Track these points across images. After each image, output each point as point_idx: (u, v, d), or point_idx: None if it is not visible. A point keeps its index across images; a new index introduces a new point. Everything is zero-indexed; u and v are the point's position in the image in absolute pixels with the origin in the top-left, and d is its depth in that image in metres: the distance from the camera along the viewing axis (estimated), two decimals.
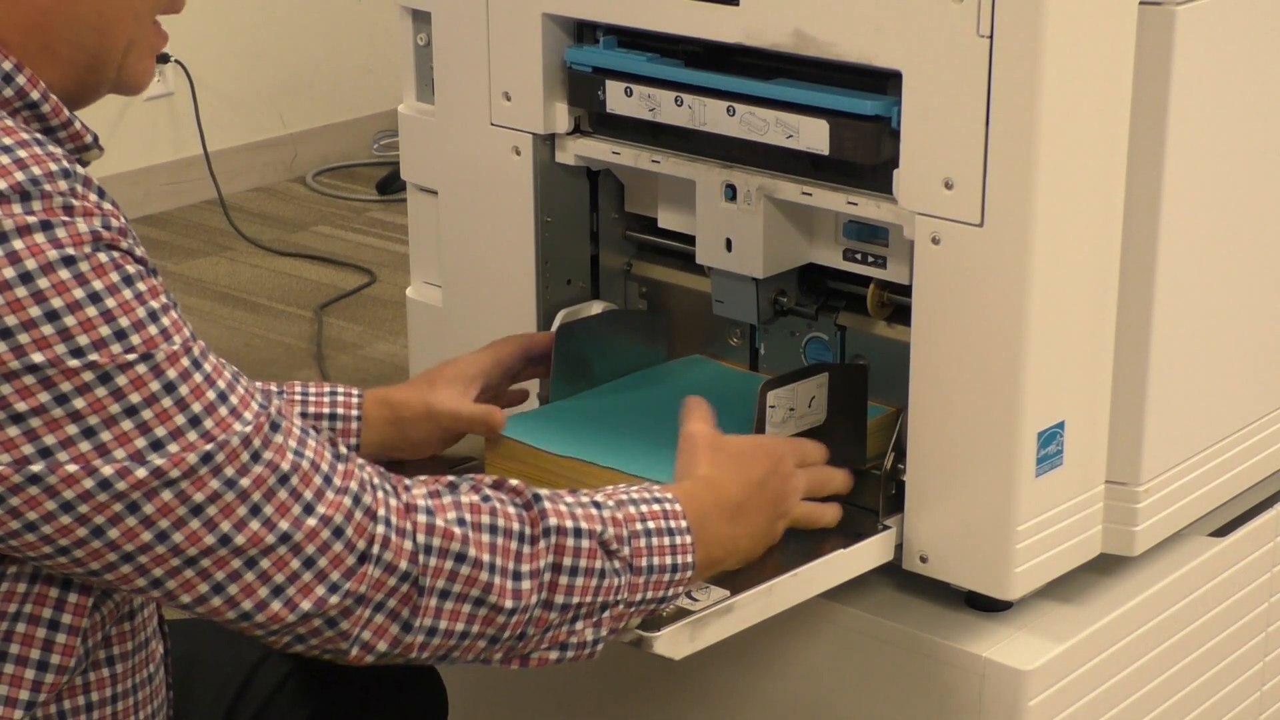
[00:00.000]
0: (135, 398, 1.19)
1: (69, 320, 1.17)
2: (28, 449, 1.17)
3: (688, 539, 1.46)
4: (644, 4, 1.73)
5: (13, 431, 1.17)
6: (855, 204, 1.68)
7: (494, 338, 1.83)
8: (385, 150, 5.03)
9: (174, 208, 4.70)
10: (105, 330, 1.18)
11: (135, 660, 1.35)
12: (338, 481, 1.30)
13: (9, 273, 1.15)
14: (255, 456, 1.25)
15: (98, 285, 1.18)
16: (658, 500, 1.46)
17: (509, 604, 1.36)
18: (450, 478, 1.41)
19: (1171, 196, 1.64)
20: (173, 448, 1.21)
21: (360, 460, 1.34)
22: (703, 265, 1.83)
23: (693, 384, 1.88)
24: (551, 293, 1.93)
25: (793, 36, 1.63)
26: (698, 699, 1.84)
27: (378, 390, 1.74)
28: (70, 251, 1.17)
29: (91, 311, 1.17)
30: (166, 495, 1.21)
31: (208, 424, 1.22)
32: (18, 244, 1.16)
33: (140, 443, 1.19)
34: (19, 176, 1.17)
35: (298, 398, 1.69)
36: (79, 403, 1.17)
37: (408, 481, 1.37)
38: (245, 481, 1.24)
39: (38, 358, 1.16)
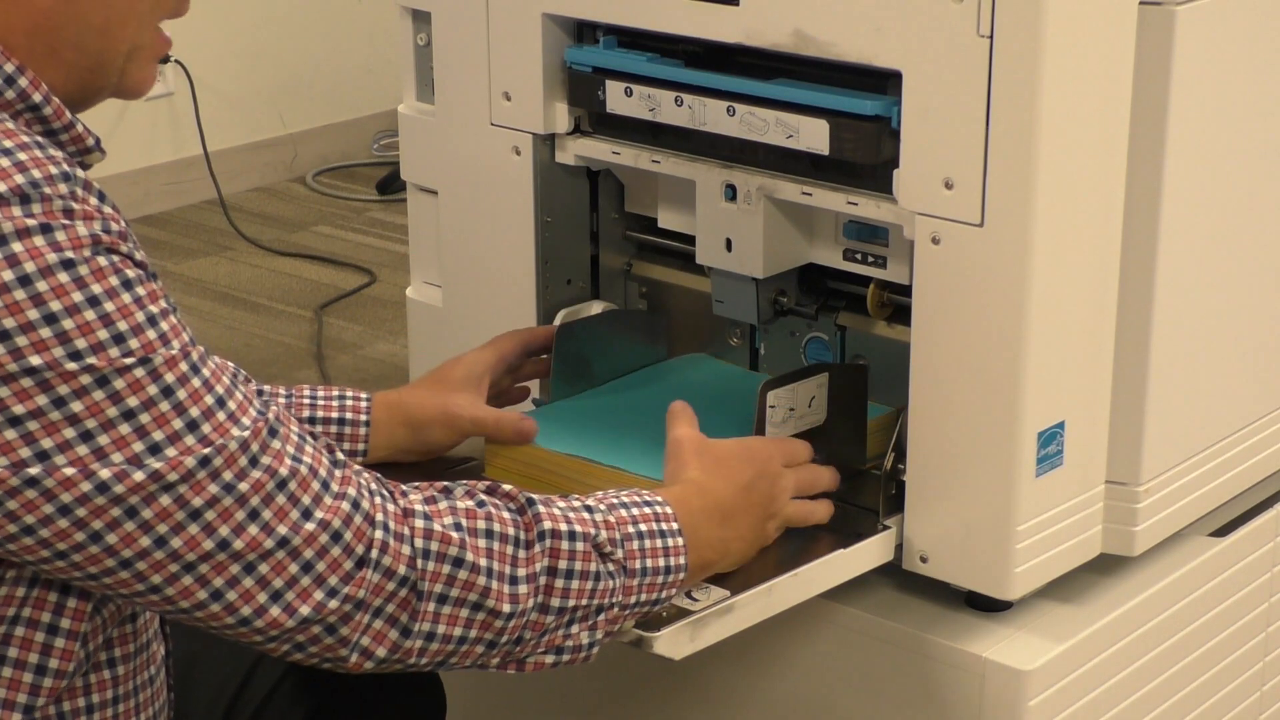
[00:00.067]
0: (133, 401, 1.19)
1: (67, 323, 1.16)
2: (25, 452, 1.17)
3: (679, 541, 1.46)
4: (644, 4, 1.73)
5: (10, 435, 1.17)
6: (855, 204, 1.68)
7: (493, 337, 1.83)
8: (385, 150, 5.03)
9: (174, 208, 4.70)
10: (104, 334, 1.18)
11: (137, 662, 1.35)
12: (335, 487, 1.30)
13: (8, 275, 1.15)
14: (253, 461, 1.25)
15: (97, 289, 1.18)
16: (648, 503, 1.47)
17: (506, 608, 1.36)
18: (444, 483, 1.41)
19: (1171, 196, 1.64)
20: (170, 452, 1.21)
21: (357, 466, 1.34)
22: (703, 265, 1.83)
23: (693, 383, 1.89)
24: (551, 293, 1.93)
25: (793, 36, 1.63)
26: (698, 699, 1.84)
27: (387, 393, 1.74)
28: (70, 255, 1.17)
29: (90, 315, 1.17)
30: (164, 500, 1.21)
31: (205, 428, 1.22)
32: (17, 247, 1.16)
33: (138, 446, 1.19)
34: (19, 179, 1.17)
35: (306, 401, 1.69)
36: (77, 406, 1.17)
37: (404, 487, 1.37)
38: (243, 486, 1.24)
39: (36, 361, 1.16)
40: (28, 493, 1.18)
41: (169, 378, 1.20)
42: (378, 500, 1.32)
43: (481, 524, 1.37)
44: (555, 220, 1.91)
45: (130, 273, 1.20)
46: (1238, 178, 1.73)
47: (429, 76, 1.98)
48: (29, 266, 1.16)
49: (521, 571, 1.37)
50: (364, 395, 1.72)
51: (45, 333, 1.16)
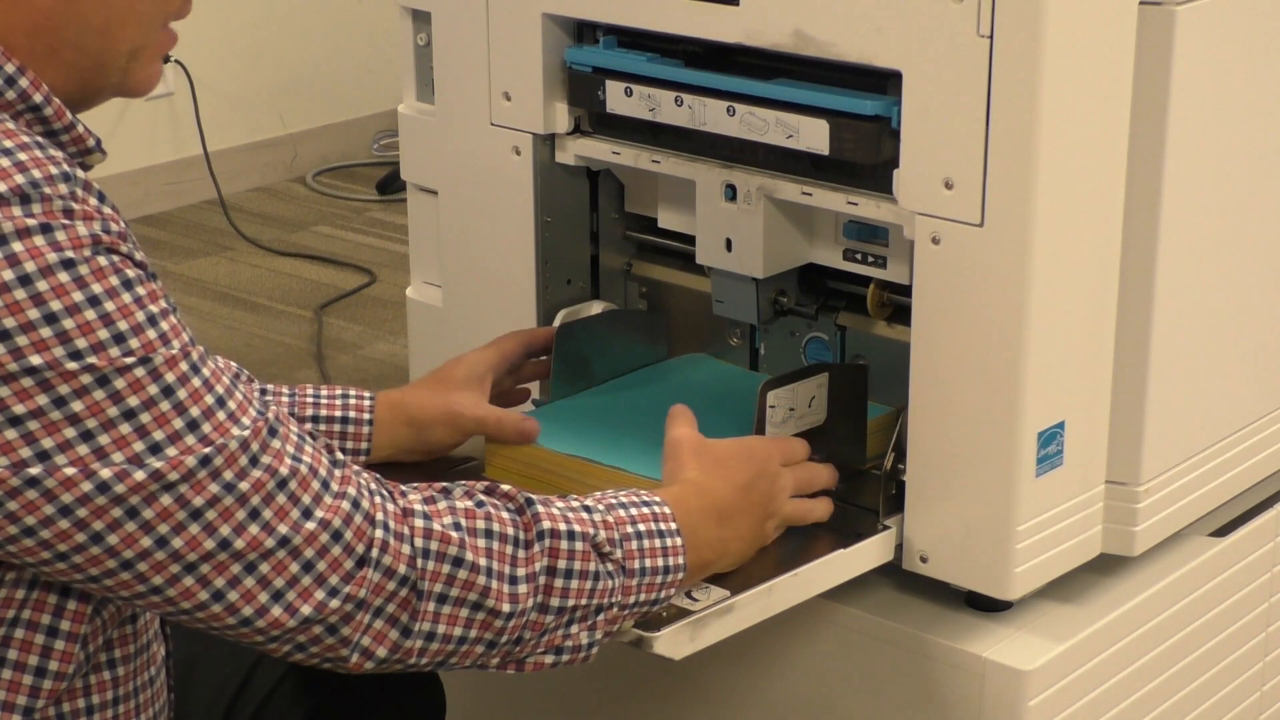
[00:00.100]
0: (133, 401, 1.19)
1: (67, 323, 1.16)
2: (25, 452, 1.17)
3: (678, 541, 1.46)
4: (644, 4, 1.73)
5: (10, 435, 1.17)
6: (855, 204, 1.68)
7: (494, 337, 1.83)
8: (385, 150, 5.03)
9: (174, 208, 4.70)
10: (104, 333, 1.18)
11: (137, 663, 1.35)
12: (335, 486, 1.30)
13: (8, 275, 1.15)
14: (254, 461, 1.25)
15: (97, 289, 1.18)
16: (646, 503, 1.47)
17: (506, 608, 1.36)
18: (443, 484, 1.41)
19: (1171, 196, 1.64)
20: (171, 451, 1.21)
21: (356, 466, 1.34)
22: (703, 265, 1.83)
23: (693, 383, 1.89)
24: (551, 293, 1.93)
25: (793, 36, 1.63)
26: (698, 699, 1.84)
27: (390, 393, 1.74)
28: (70, 255, 1.17)
29: (90, 315, 1.17)
30: (165, 499, 1.21)
31: (206, 428, 1.22)
32: (17, 246, 1.16)
33: (138, 446, 1.19)
34: (19, 179, 1.17)
35: (309, 400, 1.70)
36: (77, 406, 1.17)
37: (403, 487, 1.37)
38: (244, 485, 1.24)
39: (36, 360, 1.16)
40: (28, 493, 1.18)
41: (169, 377, 1.20)
42: (378, 500, 1.32)
43: (481, 524, 1.37)
44: (555, 220, 1.91)
45: (130, 272, 1.20)
46: (1238, 178, 1.73)
47: (429, 76, 1.98)
48: (29, 266, 1.16)
49: (521, 571, 1.37)
50: (367, 395, 1.72)
51: (45, 332, 1.16)
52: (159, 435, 1.20)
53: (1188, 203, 1.66)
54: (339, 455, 1.33)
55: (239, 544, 1.25)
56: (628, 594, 1.43)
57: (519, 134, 1.87)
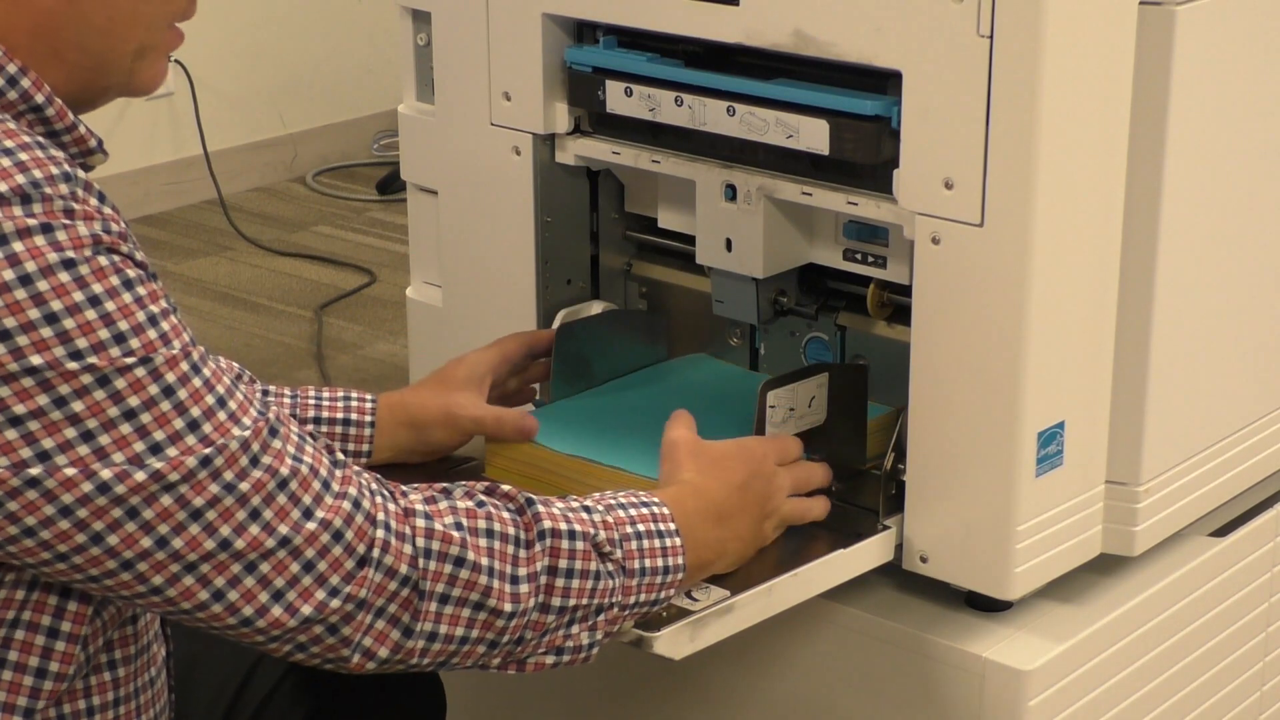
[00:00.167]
0: (134, 401, 1.19)
1: (68, 323, 1.16)
2: (26, 452, 1.17)
3: (677, 541, 1.46)
4: (644, 4, 1.73)
5: (11, 435, 1.17)
6: (855, 204, 1.68)
7: (494, 337, 1.83)
8: (385, 150, 5.03)
9: (174, 208, 4.70)
10: (104, 333, 1.18)
11: (137, 664, 1.35)
12: (336, 486, 1.30)
13: (8, 275, 1.15)
14: (254, 461, 1.25)
15: (97, 289, 1.18)
16: (645, 504, 1.47)
17: (507, 607, 1.36)
18: (443, 484, 1.41)
19: (1171, 196, 1.64)
20: (171, 451, 1.21)
21: (357, 467, 1.34)
22: (703, 265, 1.83)
23: (693, 382, 1.89)
24: (551, 293, 1.93)
25: (793, 36, 1.63)
26: (698, 699, 1.84)
27: (391, 394, 1.74)
28: (70, 255, 1.17)
29: (91, 315, 1.17)
30: (166, 500, 1.21)
31: (206, 428, 1.22)
32: (18, 246, 1.16)
33: (139, 446, 1.19)
34: (20, 179, 1.17)
35: (311, 402, 1.70)
36: (77, 406, 1.17)
37: (404, 488, 1.37)
38: (244, 486, 1.24)
39: (36, 360, 1.16)
40: (29, 493, 1.18)
41: (170, 377, 1.20)
42: (379, 500, 1.33)
43: (482, 524, 1.37)
44: (555, 220, 1.91)
45: (131, 272, 1.20)
46: (1238, 178, 1.73)
47: (429, 76, 1.98)
48: (30, 266, 1.16)
49: (522, 571, 1.37)
50: (369, 396, 1.72)
51: (46, 332, 1.16)
52: (159, 435, 1.20)
53: (1188, 203, 1.66)
54: (340, 456, 1.33)
55: (239, 544, 1.25)
56: (628, 594, 1.43)
57: (519, 134, 1.87)
